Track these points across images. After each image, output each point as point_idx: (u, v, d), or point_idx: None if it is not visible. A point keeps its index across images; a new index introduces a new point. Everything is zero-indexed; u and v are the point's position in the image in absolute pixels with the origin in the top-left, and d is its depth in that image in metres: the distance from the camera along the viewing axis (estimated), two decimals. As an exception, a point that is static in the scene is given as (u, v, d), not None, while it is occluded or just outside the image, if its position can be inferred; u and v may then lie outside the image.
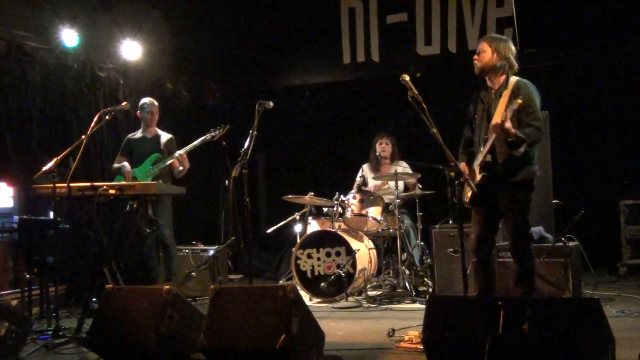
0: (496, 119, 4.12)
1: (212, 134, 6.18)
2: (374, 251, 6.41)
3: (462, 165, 4.32)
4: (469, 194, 4.36)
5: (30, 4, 6.02)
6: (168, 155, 6.19)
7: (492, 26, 7.36)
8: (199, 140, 6.18)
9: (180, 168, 6.18)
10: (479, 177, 4.26)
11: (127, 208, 5.05)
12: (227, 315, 3.56)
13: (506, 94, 4.21)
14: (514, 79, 4.28)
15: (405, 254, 6.28)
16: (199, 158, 7.64)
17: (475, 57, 4.35)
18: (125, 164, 6.13)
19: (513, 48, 4.32)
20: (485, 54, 4.29)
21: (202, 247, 6.78)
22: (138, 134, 6.40)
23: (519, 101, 4.02)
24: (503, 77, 4.30)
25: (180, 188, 5.57)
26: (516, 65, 4.31)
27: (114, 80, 7.00)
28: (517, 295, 4.22)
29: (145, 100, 6.39)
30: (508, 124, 3.96)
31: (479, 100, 4.43)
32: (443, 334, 3.25)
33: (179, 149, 6.18)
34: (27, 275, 5.22)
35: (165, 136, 6.39)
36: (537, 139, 4.13)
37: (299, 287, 5.78)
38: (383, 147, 6.92)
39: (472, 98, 4.52)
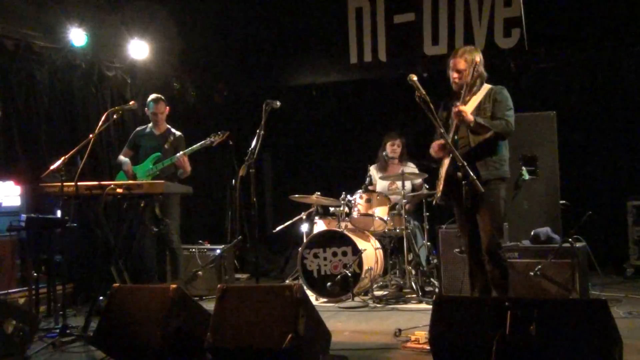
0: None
1: (212, 139, 5.97)
2: (381, 251, 6.41)
3: (436, 143, 4.42)
4: (440, 187, 4.40)
5: (39, 3, 6.03)
6: (174, 153, 6.01)
7: (500, 26, 7.33)
8: (198, 144, 5.98)
9: (181, 170, 6.08)
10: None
11: (135, 207, 5.05)
12: (233, 314, 3.57)
13: (478, 97, 4.31)
14: (487, 85, 4.37)
15: (411, 254, 6.27)
16: (206, 158, 7.66)
17: (456, 76, 4.36)
18: (127, 161, 6.03)
19: (481, 55, 4.38)
20: (466, 72, 4.33)
21: (208, 246, 6.78)
22: (148, 128, 6.25)
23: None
24: (476, 85, 4.34)
25: (188, 187, 5.58)
26: (485, 73, 4.41)
27: (121, 79, 7.01)
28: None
29: (151, 98, 6.23)
30: (464, 109, 4.12)
31: (450, 106, 4.43)
32: (450, 335, 3.25)
33: (187, 148, 6.04)
34: (35, 274, 5.25)
35: (174, 134, 6.22)
36: (503, 130, 4.24)
37: (305, 287, 5.78)
38: (394, 148, 6.92)
39: (442, 105, 4.55)
